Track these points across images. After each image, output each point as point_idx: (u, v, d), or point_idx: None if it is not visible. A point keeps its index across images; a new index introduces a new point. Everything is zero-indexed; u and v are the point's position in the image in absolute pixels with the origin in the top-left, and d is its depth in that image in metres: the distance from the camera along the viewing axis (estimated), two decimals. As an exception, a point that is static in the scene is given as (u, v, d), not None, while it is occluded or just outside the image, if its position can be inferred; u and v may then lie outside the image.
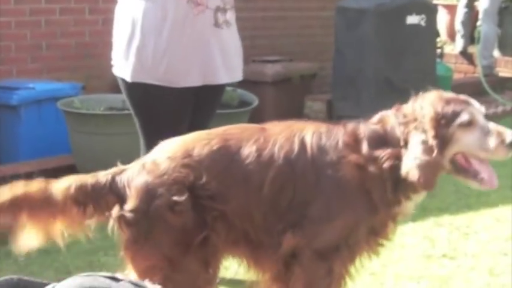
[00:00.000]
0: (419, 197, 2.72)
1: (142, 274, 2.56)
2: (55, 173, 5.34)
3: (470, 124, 2.61)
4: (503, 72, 9.89)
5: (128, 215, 2.61)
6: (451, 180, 5.65)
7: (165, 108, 3.47)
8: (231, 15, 3.53)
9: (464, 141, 2.62)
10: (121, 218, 2.64)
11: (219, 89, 3.59)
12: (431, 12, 7.49)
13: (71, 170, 5.37)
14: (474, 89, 9.33)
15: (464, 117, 2.60)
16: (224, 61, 3.51)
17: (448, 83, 7.94)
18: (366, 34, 6.90)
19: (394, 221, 2.73)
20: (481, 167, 2.68)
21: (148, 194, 2.59)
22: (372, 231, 2.68)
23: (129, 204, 2.62)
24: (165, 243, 2.59)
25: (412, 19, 7.20)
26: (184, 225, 2.57)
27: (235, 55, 3.59)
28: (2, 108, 5.74)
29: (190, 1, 3.38)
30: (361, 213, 2.63)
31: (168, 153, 2.68)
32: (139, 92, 3.46)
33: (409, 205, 2.72)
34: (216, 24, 3.44)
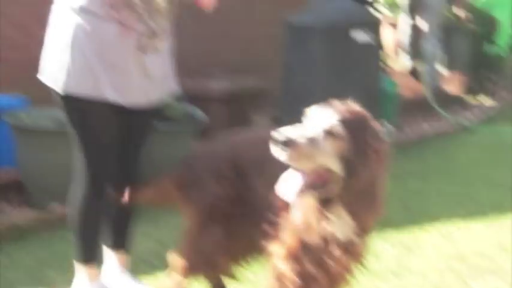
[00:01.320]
0: None
1: None
2: (1, 187, 5.32)
3: None
4: (449, 88, 10.07)
5: None
6: (398, 195, 5.76)
7: (90, 120, 3.54)
8: (161, 41, 3.58)
9: None
10: None
11: (143, 109, 3.62)
12: (377, 28, 7.60)
13: (17, 185, 5.36)
14: (421, 105, 9.49)
15: None
16: (145, 85, 3.56)
17: (395, 98, 8.07)
18: (314, 51, 6.97)
19: None
20: None
21: None
22: None
23: None
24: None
25: (361, 37, 7.29)
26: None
27: (159, 78, 3.62)
28: None
29: (118, 22, 3.43)
30: None
31: None
32: (68, 104, 3.53)
33: None
34: (141, 48, 3.49)
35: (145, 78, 3.55)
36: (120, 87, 3.49)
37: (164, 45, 3.63)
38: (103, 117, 3.54)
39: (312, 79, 6.99)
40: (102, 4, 3.42)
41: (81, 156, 3.59)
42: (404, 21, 10.21)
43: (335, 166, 2.59)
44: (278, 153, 2.54)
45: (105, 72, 3.45)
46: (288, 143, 2.51)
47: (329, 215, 2.68)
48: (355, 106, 2.72)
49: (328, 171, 2.60)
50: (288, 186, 2.63)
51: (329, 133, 2.58)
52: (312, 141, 2.56)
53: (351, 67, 7.21)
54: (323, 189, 2.62)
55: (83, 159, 3.59)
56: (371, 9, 9.41)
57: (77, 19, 3.45)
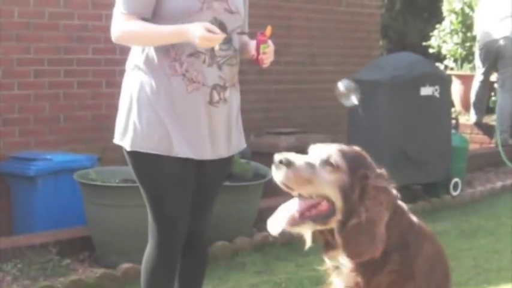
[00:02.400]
0: None
1: None
2: (70, 245, 5.39)
3: None
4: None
5: None
6: (470, 255, 5.64)
7: (161, 177, 3.51)
8: (230, 92, 3.56)
9: None
10: None
11: (215, 162, 3.59)
12: (445, 83, 7.54)
13: (85, 241, 5.42)
14: (490, 160, 9.35)
15: None
16: (213, 139, 3.53)
17: (464, 154, 7.94)
18: (380, 106, 6.94)
19: None
20: None
21: None
22: None
23: None
24: None
25: (426, 90, 7.25)
26: None
27: (226, 131, 3.59)
28: (19, 179, 5.79)
29: (185, 78, 3.44)
30: None
31: None
32: (137, 160, 3.52)
33: None
34: (211, 102, 3.48)
35: (215, 130, 3.52)
36: (190, 141, 3.46)
37: (233, 97, 3.61)
38: (173, 173, 3.49)
39: (378, 134, 6.94)
40: (166, 59, 3.43)
41: (151, 213, 3.54)
42: (476, 75, 10.07)
43: (333, 196, 2.55)
44: (276, 174, 2.54)
45: (173, 127, 3.44)
46: (286, 163, 2.52)
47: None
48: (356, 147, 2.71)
49: (326, 200, 2.57)
50: (280, 216, 2.61)
51: (328, 162, 2.57)
52: (311, 166, 2.55)
53: (419, 122, 7.16)
54: (320, 220, 2.57)
55: (154, 217, 3.54)
56: (437, 63, 9.36)
57: (143, 76, 3.47)
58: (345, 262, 2.59)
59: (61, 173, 5.75)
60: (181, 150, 3.46)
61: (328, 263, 2.67)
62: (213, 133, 3.52)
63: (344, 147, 2.65)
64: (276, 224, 2.62)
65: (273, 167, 2.55)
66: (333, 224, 2.57)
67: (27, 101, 6.29)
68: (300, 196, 2.61)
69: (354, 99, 5.99)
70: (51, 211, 5.73)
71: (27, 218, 5.82)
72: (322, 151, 2.61)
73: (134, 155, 3.51)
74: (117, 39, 3.51)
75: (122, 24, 3.46)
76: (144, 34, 3.45)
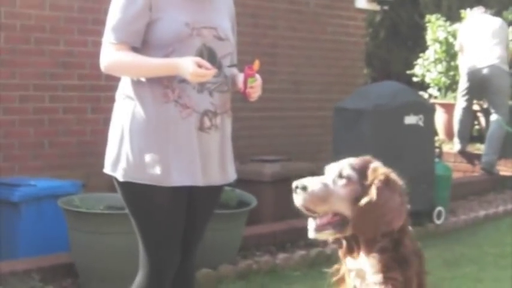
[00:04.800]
0: None
1: None
2: (53, 272, 5.36)
3: None
4: (503, 171, 9.94)
5: None
6: (454, 284, 5.61)
7: (155, 207, 3.48)
8: (222, 119, 3.55)
9: None
10: None
11: (206, 190, 3.57)
12: (429, 112, 7.59)
13: (68, 268, 5.39)
14: (474, 188, 9.40)
15: None
16: (205, 165, 3.50)
17: (448, 183, 7.98)
18: (364, 134, 6.97)
19: None
20: None
21: None
22: None
23: None
24: None
25: (410, 119, 7.28)
26: None
27: (219, 159, 3.58)
28: (2, 205, 5.76)
29: (178, 104, 3.43)
30: None
31: None
32: (130, 191, 3.50)
33: None
34: (201, 128, 3.47)
35: (206, 158, 3.49)
36: (182, 168, 3.43)
37: (226, 125, 3.59)
38: (165, 202, 3.46)
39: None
40: (158, 86, 3.42)
41: (142, 243, 3.51)
42: (458, 104, 10.11)
43: (345, 210, 2.70)
44: (296, 199, 2.70)
45: (166, 155, 3.41)
46: (301, 188, 2.70)
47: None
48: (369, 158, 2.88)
49: (341, 213, 2.71)
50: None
51: (340, 176, 2.73)
52: (325, 185, 2.71)
53: (402, 150, 7.18)
54: (337, 229, 2.72)
55: (146, 247, 3.50)
56: (421, 92, 9.41)
57: (135, 105, 3.45)
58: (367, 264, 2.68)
59: (45, 199, 5.73)
60: (174, 178, 3.43)
61: (347, 266, 2.77)
62: (204, 160, 3.49)
63: (353, 159, 2.81)
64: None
65: (293, 194, 2.71)
66: (350, 231, 2.72)
67: (12, 126, 6.28)
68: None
69: None
70: (35, 237, 5.70)
71: (10, 244, 5.78)
72: (334, 168, 2.77)
73: (126, 185, 3.48)
74: (106, 69, 3.51)
75: (111, 55, 3.46)
76: (134, 66, 3.46)
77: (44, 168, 6.43)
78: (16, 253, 5.66)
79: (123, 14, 3.44)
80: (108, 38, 3.47)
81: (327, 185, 2.71)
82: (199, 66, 3.33)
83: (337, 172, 2.73)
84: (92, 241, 5.19)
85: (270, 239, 6.50)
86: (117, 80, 3.62)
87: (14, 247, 5.73)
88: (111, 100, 3.67)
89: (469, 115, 10.13)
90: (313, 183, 2.72)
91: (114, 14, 3.47)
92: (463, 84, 9.90)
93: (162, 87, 3.43)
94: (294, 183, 2.71)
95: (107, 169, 3.54)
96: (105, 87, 6.47)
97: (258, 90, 3.55)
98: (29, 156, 6.40)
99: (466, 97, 9.88)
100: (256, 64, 3.49)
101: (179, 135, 3.44)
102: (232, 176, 3.70)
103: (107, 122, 3.69)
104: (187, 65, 3.32)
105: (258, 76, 3.53)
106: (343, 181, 2.71)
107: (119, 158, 3.48)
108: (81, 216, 5.30)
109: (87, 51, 6.60)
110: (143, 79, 3.45)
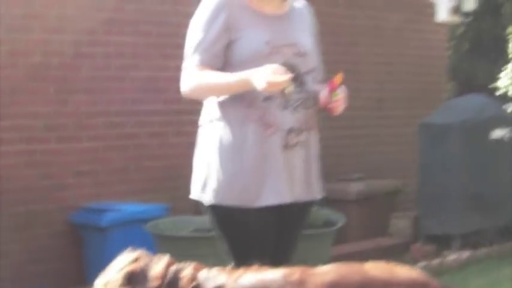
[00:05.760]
0: None
1: None
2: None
3: None
4: None
5: None
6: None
7: (244, 229, 3.47)
8: (307, 135, 3.52)
9: None
10: None
11: (294, 208, 3.54)
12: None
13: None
14: None
15: None
16: (290, 181, 3.47)
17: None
18: (451, 150, 6.85)
19: None
20: None
21: None
22: None
23: None
24: None
25: (497, 133, 7.14)
26: None
27: (304, 175, 3.54)
28: (90, 230, 5.84)
29: (261, 123, 3.41)
30: None
31: None
32: (220, 214, 3.49)
33: None
34: (286, 146, 3.44)
35: (293, 174, 3.46)
36: (270, 187, 3.41)
37: (311, 141, 3.56)
38: (255, 223, 3.45)
39: (449, 178, 6.84)
40: (241, 106, 3.41)
41: (234, 263, 3.45)
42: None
43: None
44: None
45: (253, 175, 3.40)
46: None
47: None
48: None
49: None
50: None
51: None
52: None
53: (490, 165, 7.03)
54: None
55: (237, 267, 3.50)
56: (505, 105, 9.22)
57: (221, 129, 3.44)
58: None
59: (132, 224, 5.78)
60: (263, 198, 3.42)
61: None
62: (290, 176, 3.47)
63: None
64: None
65: None
66: None
67: (95, 152, 6.35)
68: None
69: None
70: (123, 262, 5.75)
71: (98, 269, 5.81)
72: None
73: (216, 208, 3.48)
74: (190, 92, 3.49)
75: (195, 78, 3.44)
76: (214, 85, 3.44)
77: (129, 192, 6.49)
78: (105, 278, 5.71)
79: (205, 35, 3.44)
80: (193, 61, 3.46)
81: None
82: (274, 74, 3.29)
83: None
84: (179, 264, 5.19)
85: (358, 258, 6.40)
86: (199, 103, 3.61)
87: (101, 272, 5.78)
88: (194, 124, 3.67)
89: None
90: None
91: (195, 36, 3.47)
92: None
93: (245, 107, 3.41)
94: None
95: (194, 194, 3.54)
96: (187, 111, 6.50)
97: (343, 103, 3.50)
98: (115, 181, 6.46)
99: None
100: (339, 77, 3.44)
101: (263, 154, 3.41)
102: (318, 193, 3.66)
103: (190, 145, 3.69)
104: (261, 75, 3.28)
105: (342, 88, 3.48)
106: None
107: (207, 182, 3.48)
108: (169, 240, 5.31)
109: (169, 76, 6.64)
110: (227, 101, 3.44)
